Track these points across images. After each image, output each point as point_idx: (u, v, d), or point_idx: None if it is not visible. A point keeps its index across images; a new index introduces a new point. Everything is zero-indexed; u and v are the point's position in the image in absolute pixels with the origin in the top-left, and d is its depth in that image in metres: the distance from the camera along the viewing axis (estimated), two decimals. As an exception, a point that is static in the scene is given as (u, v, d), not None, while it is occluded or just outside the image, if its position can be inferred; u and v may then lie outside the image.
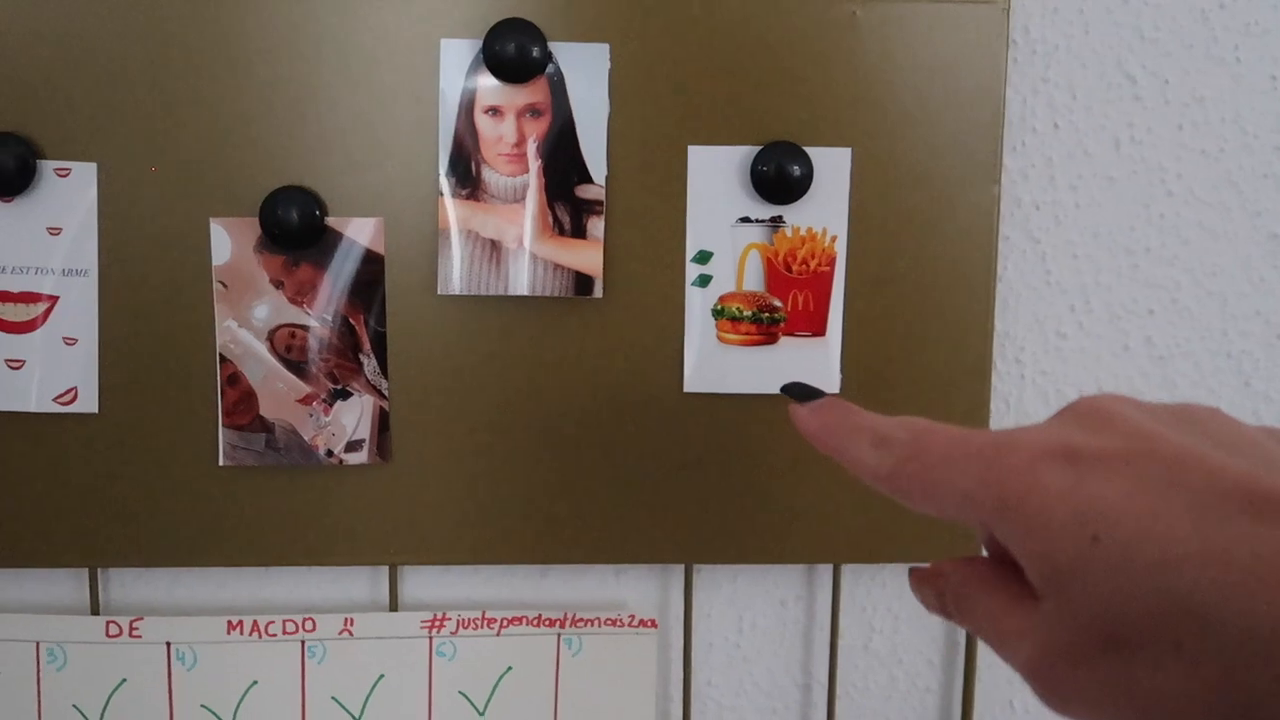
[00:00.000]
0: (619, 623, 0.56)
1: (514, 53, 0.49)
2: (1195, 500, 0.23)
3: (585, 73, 0.50)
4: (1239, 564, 0.22)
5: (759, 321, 0.53)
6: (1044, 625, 0.25)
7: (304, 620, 0.55)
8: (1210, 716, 0.22)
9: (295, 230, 0.50)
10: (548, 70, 0.50)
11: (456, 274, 0.51)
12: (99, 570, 0.55)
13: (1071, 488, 0.25)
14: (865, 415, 0.31)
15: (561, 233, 0.51)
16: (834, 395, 0.35)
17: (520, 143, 0.50)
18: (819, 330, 0.53)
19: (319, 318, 0.52)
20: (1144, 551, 0.23)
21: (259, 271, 0.51)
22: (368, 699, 0.55)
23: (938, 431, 0.29)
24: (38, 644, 0.54)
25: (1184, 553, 0.22)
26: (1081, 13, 0.54)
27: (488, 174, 0.51)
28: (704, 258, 0.52)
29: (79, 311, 0.51)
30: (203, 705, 0.55)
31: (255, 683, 0.55)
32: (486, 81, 0.50)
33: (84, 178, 0.50)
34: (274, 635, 0.55)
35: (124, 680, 0.54)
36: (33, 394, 0.51)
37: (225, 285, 0.51)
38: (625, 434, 0.53)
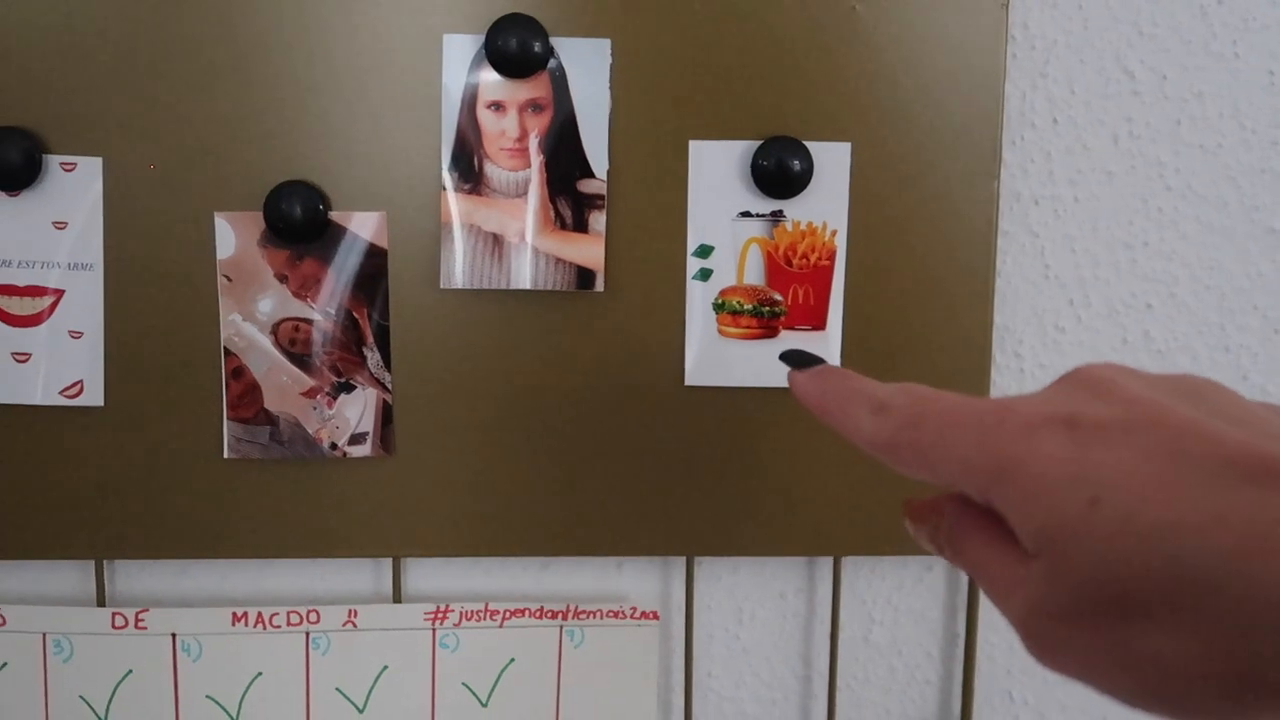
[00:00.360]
0: (620, 615, 0.56)
1: (516, 48, 0.49)
2: (1197, 468, 0.23)
3: (587, 68, 0.51)
4: (1241, 531, 0.21)
5: (759, 315, 0.53)
6: (1036, 582, 0.25)
7: (308, 612, 0.55)
8: (1209, 683, 0.22)
9: (299, 224, 0.50)
10: (549, 65, 0.50)
11: (459, 268, 0.51)
12: (105, 562, 0.55)
13: (1072, 455, 0.24)
14: (864, 381, 0.31)
15: (563, 227, 0.51)
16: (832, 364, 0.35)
17: (522, 137, 0.51)
18: (819, 324, 0.53)
19: (323, 311, 0.52)
20: (1145, 515, 0.23)
21: (263, 265, 0.51)
22: (371, 690, 0.56)
23: (937, 398, 0.28)
24: (44, 635, 0.54)
25: (1186, 518, 0.22)
26: (1080, 8, 0.55)
27: (490, 168, 0.51)
28: (705, 252, 0.53)
29: (84, 305, 0.51)
30: (208, 696, 0.55)
31: (260, 674, 0.55)
32: (489, 76, 0.50)
33: (89, 172, 0.50)
34: (278, 627, 0.55)
35: (130, 671, 0.55)
36: (38, 387, 0.51)
37: (229, 279, 0.51)
38: (626, 427, 0.53)
